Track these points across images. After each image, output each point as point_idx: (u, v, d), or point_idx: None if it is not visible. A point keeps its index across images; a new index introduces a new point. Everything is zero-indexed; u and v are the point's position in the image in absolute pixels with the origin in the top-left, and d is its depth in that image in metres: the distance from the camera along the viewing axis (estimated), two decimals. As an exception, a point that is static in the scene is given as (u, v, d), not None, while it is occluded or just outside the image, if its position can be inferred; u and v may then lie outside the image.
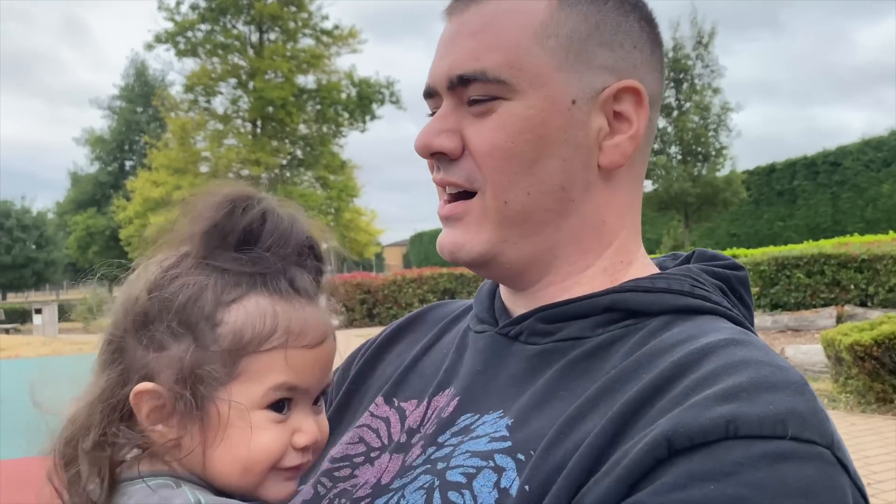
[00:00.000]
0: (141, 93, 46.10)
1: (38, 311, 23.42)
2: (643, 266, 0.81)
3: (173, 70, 56.46)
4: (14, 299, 40.52)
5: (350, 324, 20.30)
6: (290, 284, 0.69)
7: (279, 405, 0.67)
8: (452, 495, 0.66)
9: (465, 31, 0.75)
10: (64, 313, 24.85)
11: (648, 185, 28.20)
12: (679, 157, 26.72)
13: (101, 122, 46.26)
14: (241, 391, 0.66)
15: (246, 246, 0.69)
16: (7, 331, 24.35)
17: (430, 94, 0.79)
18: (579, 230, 0.77)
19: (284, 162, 33.26)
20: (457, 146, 0.75)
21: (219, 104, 33.22)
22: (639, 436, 0.58)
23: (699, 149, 26.26)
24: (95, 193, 44.73)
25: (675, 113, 26.45)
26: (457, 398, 0.77)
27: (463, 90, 0.74)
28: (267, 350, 0.66)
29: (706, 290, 0.75)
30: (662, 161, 25.99)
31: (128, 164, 46.86)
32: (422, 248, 49.66)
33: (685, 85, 26.81)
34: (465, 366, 0.80)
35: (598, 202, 0.77)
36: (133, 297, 0.69)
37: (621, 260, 0.79)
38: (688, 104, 26.51)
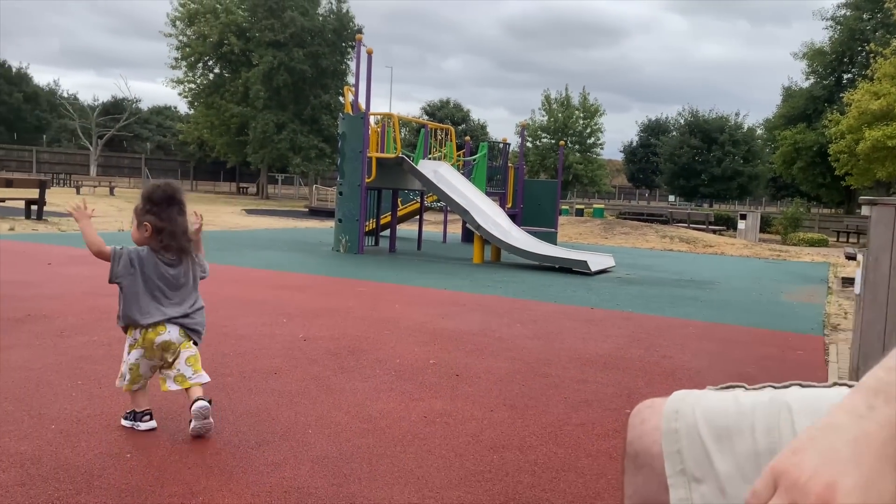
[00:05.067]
0: (867, -3, 42.49)
1: (743, 217, 24.96)
2: None
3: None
4: (719, 208, 44.09)
5: None
6: None
7: None
8: None
9: None
10: (765, 224, 25.71)
11: None
12: None
13: (821, 35, 44.58)
14: None
15: None
16: (715, 231, 26.85)
17: None
18: None
19: None
20: None
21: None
22: None
23: None
24: (807, 108, 44.03)
25: None
26: None
27: None
28: None
29: None
30: None
31: (846, 76, 44.45)
32: None
33: None
34: None
35: None
36: None
37: None
38: None
